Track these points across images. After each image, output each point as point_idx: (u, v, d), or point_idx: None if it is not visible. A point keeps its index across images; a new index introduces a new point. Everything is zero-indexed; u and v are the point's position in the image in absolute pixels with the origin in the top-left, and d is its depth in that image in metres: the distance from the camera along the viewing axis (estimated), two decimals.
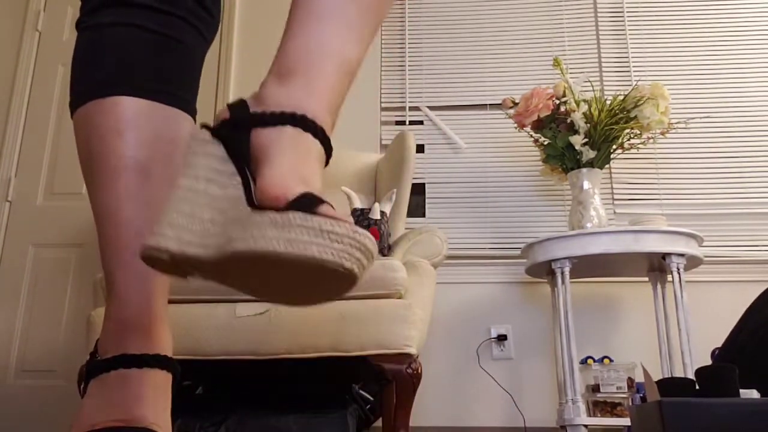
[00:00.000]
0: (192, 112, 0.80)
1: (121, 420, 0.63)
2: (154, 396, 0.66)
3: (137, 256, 0.61)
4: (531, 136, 2.42)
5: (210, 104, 2.89)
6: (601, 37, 2.86)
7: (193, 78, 0.82)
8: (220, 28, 3.14)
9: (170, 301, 1.80)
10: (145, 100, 0.73)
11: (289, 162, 0.58)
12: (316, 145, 0.60)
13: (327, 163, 0.63)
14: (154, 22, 0.76)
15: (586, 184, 2.27)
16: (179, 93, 0.77)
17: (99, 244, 0.74)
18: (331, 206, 0.56)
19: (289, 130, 0.59)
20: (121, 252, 0.71)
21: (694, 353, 1.96)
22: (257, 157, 0.59)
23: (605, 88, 2.75)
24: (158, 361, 0.68)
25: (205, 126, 0.64)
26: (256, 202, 0.57)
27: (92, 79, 0.75)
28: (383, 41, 2.92)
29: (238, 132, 0.61)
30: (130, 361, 0.67)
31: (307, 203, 0.55)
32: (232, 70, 2.93)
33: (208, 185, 0.61)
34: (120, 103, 0.72)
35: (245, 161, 0.60)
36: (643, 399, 1.14)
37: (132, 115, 0.72)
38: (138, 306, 0.69)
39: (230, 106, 0.63)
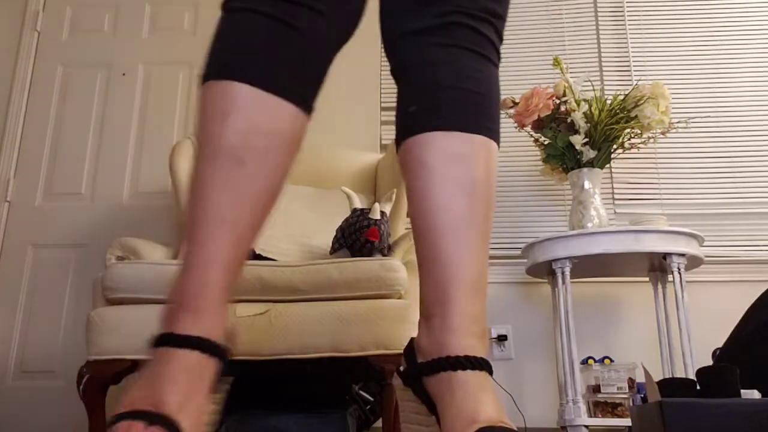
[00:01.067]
0: (305, 107, 0.78)
1: (149, 402, 0.64)
2: (186, 379, 0.66)
3: (211, 240, 0.70)
4: (531, 135, 2.41)
5: None
6: (601, 36, 2.85)
7: (313, 72, 0.80)
8: None
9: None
10: (254, 88, 0.73)
11: (454, 407, 0.69)
12: (471, 374, 0.71)
13: (491, 372, 0.73)
14: (281, 10, 0.76)
15: (586, 184, 2.27)
16: (292, 86, 0.76)
17: (186, 217, 0.74)
18: None
19: (443, 376, 0.71)
20: (196, 232, 0.71)
21: (695, 353, 1.96)
22: (434, 400, 0.72)
23: (605, 87, 2.75)
24: (200, 344, 0.67)
25: (397, 371, 0.81)
26: None
27: (214, 59, 0.78)
28: None
29: (414, 381, 0.75)
30: (173, 340, 0.68)
31: None
32: None
33: (418, 426, 0.77)
34: (230, 88, 0.73)
35: (430, 402, 0.73)
36: (644, 399, 1.14)
37: (238, 102, 0.73)
38: (195, 287, 0.70)
39: (406, 355, 0.79)
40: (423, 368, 0.74)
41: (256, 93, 0.73)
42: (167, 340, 0.68)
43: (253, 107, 0.73)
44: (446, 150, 0.79)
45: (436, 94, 0.82)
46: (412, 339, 0.81)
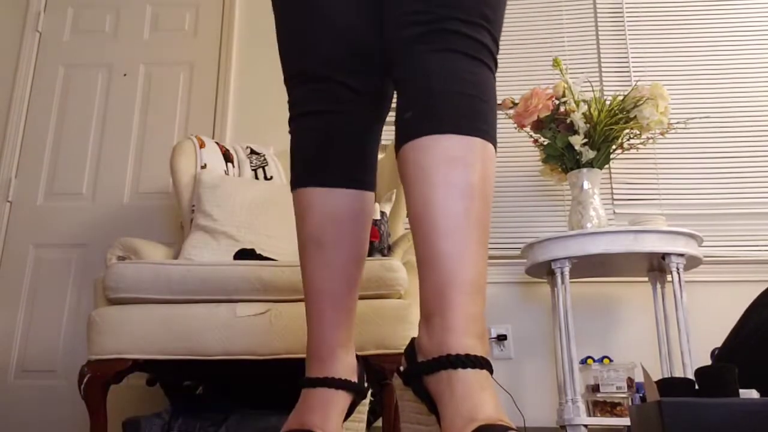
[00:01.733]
0: (365, 186, 0.98)
1: (296, 424, 0.89)
2: (322, 407, 0.89)
3: (316, 306, 0.94)
4: (530, 136, 2.42)
5: (210, 106, 2.89)
6: (600, 37, 2.86)
7: (361, 156, 0.99)
8: (219, 25, 3.12)
9: (169, 302, 1.80)
10: (319, 188, 0.95)
11: (453, 406, 0.71)
12: (470, 373, 0.72)
13: (492, 371, 0.75)
14: (325, 121, 0.97)
15: (585, 184, 2.27)
16: (348, 174, 0.96)
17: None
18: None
19: (443, 375, 0.73)
20: (308, 302, 0.95)
21: (694, 353, 1.96)
22: (434, 399, 0.75)
23: (605, 88, 2.76)
24: (324, 382, 0.91)
25: (397, 371, 0.87)
26: None
27: (293, 173, 1.00)
28: None
29: (414, 380, 0.79)
30: (307, 382, 0.93)
31: None
32: (232, 71, 2.94)
33: (418, 426, 0.79)
34: (304, 194, 0.96)
35: (431, 401, 0.76)
36: (643, 399, 1.14)
37: (310, 202, 0.95)
38: (317, 342, 0.93)
39: (406, 355, 0.84)
40: (423, 367, 0.76)
41: (321, 191, 0.95)
42: (305, 383, 0.93)
43: (320, 202, 0.95)
44: (442, 153, 0.81)
45: (430, 99, 0.84)
46: (413, 339, 0.83)
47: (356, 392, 0.93)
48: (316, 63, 0.96)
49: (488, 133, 0.84)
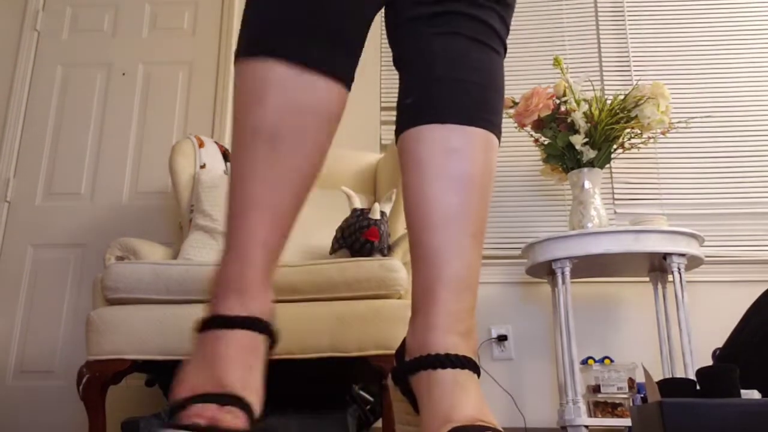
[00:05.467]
0: (341, 79, 0.73)
1: (212, 384, 0.63)
2: (243, 357, 0.66)
3: (247, 222, 0.69)
4: (531, 135, 2.41)
5: (209, 106, 2.89)
6: (601, 36, 2.85)
7: (351, 38, 0.75)
8: (218, 24, 3.11)
9: (169, 302, 1.79)
10: (287, 63, 0.70)
11: (430, 407, 0.68)
12: (449, 373, 0.69)
13: (477, 370, 0.72)
14: None
15: (586, 184, 2.27)
16: (328, 57, 0.72)
17: (226, 203, 0.74)
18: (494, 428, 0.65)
19: (423, 375, 0.70)
20: (235, 216, 0.71)
21: (695, 353, 1.96)
22: (417, 399, 0.71)
23: (606, 87, 2.75)
24: (248, 323, 0.68)
25: (391, 371, 0.78)
26: None
27: (246, 35, 0.74)
28: (383, 41, 2.91)
29: (401, 379, 0.74)
30: (221, 323, 0.67)
31: None
32: (231, 70, 2.93)
33: (407, 427, 0.76)
34: (263, 65, 0.71)
35: (416, 402, 0.71)
36: (644, 399, 1.14)
37: (271, 81, 0.70)
38: (237, 269, 0.70)
39: (396, 355, 0.79)
40: (407, 367, 0.73)
41: (289, 69, 0.70)
42: (216, 322, 0.68)
43: (286, 84, 0.70)
44: (440, 144, 0.77)
45: (432, 86, 0.79)
46: (405, 338, 0.80)
47: (274, 341, 0.72)
48: None
49: (492, 123, 0.80)
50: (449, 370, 0.69)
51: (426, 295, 0.74)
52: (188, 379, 0.65)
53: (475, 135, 0.78)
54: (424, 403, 0.69)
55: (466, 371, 0.70)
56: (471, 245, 0.76)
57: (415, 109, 0.80)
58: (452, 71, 0.79)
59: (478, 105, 0.79)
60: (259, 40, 0.72)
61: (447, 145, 0.77)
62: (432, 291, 0.73)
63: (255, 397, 0.65)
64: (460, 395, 0.68)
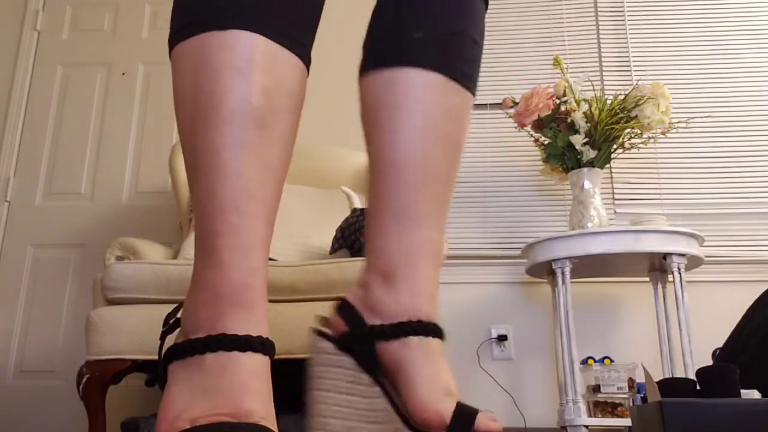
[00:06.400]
0: (308, 61, 0.66)
1: (226, 414, 0.53)
2: (259, 384, 0.56)
3: (245, 218, 0.58)
4: (531, 135, 2.41)
5: None
6: (601, 36, 2.85)
7: (314, 19, 0.67)
8: None
9: (168, 302, 1.79)
10: (268, 39, 0.61)
11: (429, 375, 0.64)
12: (437, 343, 0.66)
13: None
14: None
15: (586, 184, 2.27)
16: (298, 36, 0.64)
17: (195, 198, 0.61)
18: (480, 411, 0.62)
19: (413, 341, 0.65)
20: (227, 212, 0.58)
21: (695, 353, 1.96)
22: (392, 369, 0.65)
23: (606, 87, 2.75)
24: (262, 345, 0.57)
25: (321, 334, 0.68)
26: (411, 422, 0.63)
27: (207, 5, 0.62)
28: None
29: (363, 345, 0.66)
30: (232, 343, 0.56)
31: (463, 425, 0.61)
32: None
33: (350, 398, 0.65)
34: (241, 39, 0.60)
35: (378, 372, 0.65)
36: (644, 399, 1.14)
37: (256, 56, 0.60)
38: (242, 277, 0.58)
39: (344, 316, 0.69)
40: (386, 331, 0.66)
41: (274, 47, 0.61)
42: (225, 342, 0.56)
43: (273, 64, 0.61)
44: (421, 92, 0.71)
45: (409, 25, 0.74)
46: (345, 300, 0.72)
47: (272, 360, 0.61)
48: None
49: (472, 80, 0.75)
50: (437, 340, 0.67)
51: (410, 258, 0.69)
52: (192, 408, 0.54)
53: (453, 87, 0.73)
54: (415, 371, 0.64)
55: (443, 343, 0.68)
56: (447, 207, 0.73)
57: (387, 48, 0.73)
58: (434, 11, 0.74)
59: (458, 55, 0.74)
60: (228, 9, 0.61)
61: (427, 96, 0.71)
62: (417, 254, 0.69)
63: (274, 429, 0.56)
64: (446, 367, 0.66)
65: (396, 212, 0.70)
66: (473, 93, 0.76)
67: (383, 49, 0.74)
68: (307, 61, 0.65)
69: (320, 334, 0.69)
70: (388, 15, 0.75)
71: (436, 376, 0.64)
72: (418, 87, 0.71)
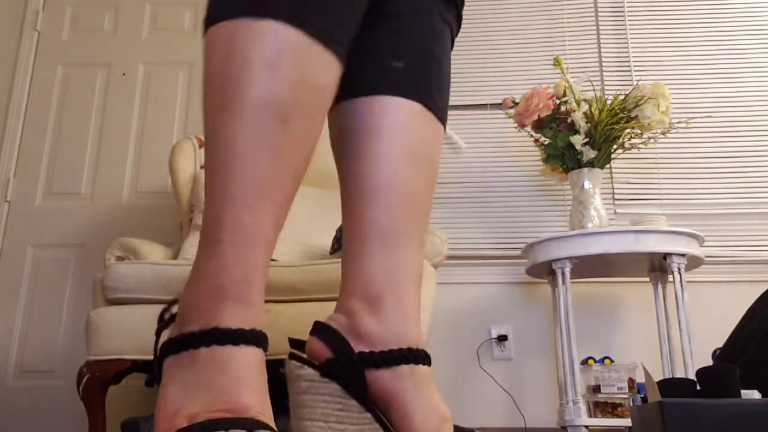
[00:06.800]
0: (343, 62, 0.64)
1: (224, 409, 0.53)
2: (254, 377, 0.56)
3: (254, 216, 0.57)
4: (531, 135, 2.41)
5: None
6: (601, 36, 2.85)
7: (355, 19, 0.66)
8: None
9: (169, 303, 1.79)
10: (302, 33, 0.60)
11: (423, 403, 0.64)
12: (426, 369, 0.66)
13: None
14: None
15: (586, 184, 2.27)
16: (336, 34, 0.63)
17: (207, 185, 0.60)
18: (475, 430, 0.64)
19: (404, 369, 0.65)
20: (236, 203, 0.58)
21: (695, 354, 1.96)
22: (382, 397, 0.64)
23: (606, 87, 2.75)
24: (255, 337, 0.57)
25: (301, 360, 0.66)
26: None
27: None
28: None
29: (351, 372, 0.65)
30: (226, 337, 0.55)
31: None
32: None
33: (341, 426, 0.64)
34: (274, 30, 0.59)
35: (368, 400, 0.64)
36: (644, 399, 1.14)
37: (286, 48, 0.59)
38: (242, 273, 0.58)
39: (327, 342, 0.67)
40: (376, 359, 0.65)
41: (306, 40, 0.60)
42: (218, 336, 0.56)
43: (303, 57, 0.60)
44: (402, 118, 0.72)
45: (386, 57, 0.75)
46: (325, 324, 0.70)
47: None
48: None
49: (445, 112, 0.77)
50: (426, 367, 0.67)
51: (395, 282, 0.69)
52: (189, 403, 0.54)
53: (427, 115, 0.75)
54: (410, 399, 0.64)
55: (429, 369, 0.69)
56: (426, 229, 0.74)
57: (370, 77, 0.74)
58: (422, 40, 0.76)
59: (429, 82, 0.76)
60: (268, 1, 0.60)
61: (408, 120, 0.73)
62: (403, 278, 0.69)
63: (272, 424, 0.56)
64: (437, 393, 0.67)
65: (382, 236, 0.69)
66: (444, 126, 0.77)
67: (361, 77, 0.74)
68: (342, 61, 0.64)
69: (300, 360, 0.66)
70: (366, 43, 0.73)
71: (430, 404, 0.65)
72: (401, 114, 0.72)
